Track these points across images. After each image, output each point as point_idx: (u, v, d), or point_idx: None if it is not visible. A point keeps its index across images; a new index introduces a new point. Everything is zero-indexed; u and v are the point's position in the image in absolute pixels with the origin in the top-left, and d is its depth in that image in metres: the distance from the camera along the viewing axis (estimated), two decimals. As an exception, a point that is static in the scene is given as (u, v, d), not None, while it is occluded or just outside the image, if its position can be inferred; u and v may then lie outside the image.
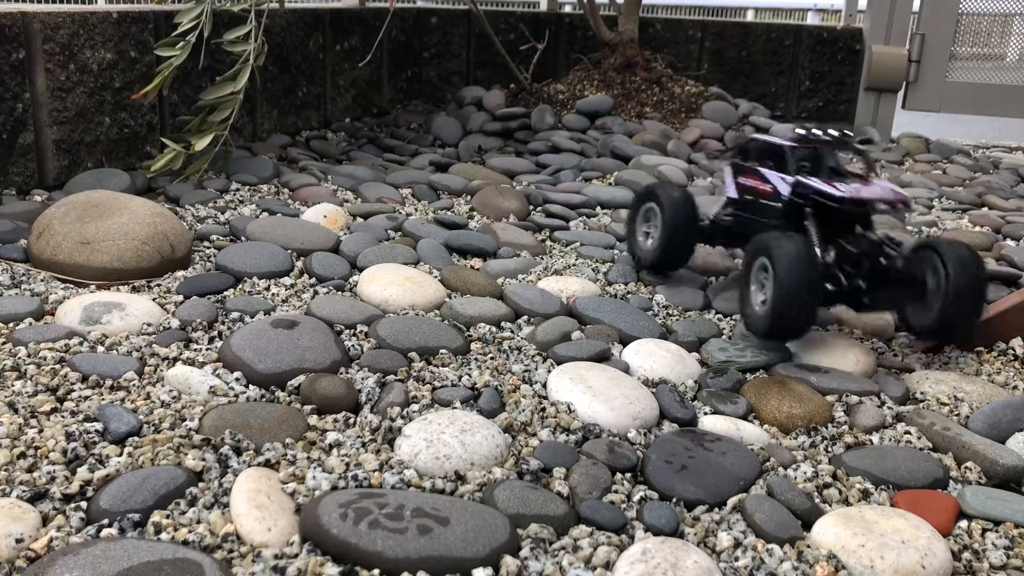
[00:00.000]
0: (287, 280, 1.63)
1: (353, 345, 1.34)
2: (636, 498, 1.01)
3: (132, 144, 2.29)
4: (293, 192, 2.24)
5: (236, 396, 1.18)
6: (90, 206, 1.64)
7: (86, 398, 1.15)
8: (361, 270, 1.68)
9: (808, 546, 0.94)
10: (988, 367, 1.44)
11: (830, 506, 1.03)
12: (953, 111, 3.56)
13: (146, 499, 0.93)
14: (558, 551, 0.91)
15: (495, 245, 1.88)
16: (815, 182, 1.43)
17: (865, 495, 1.05)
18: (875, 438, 1.19)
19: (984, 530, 1.00)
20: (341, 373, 1.26)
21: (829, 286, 1.38)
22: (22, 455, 1.01)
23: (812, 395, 1.26)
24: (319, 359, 1.26)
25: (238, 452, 1.04)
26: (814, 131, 1.53)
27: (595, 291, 1.66)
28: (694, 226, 1.67)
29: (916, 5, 3.47)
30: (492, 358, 1.35)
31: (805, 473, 1.08)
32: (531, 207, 2.23)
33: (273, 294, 1.56)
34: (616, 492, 1.02)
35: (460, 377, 1.27)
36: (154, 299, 1.49)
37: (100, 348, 1.30)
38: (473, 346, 1.39)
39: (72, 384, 1.18)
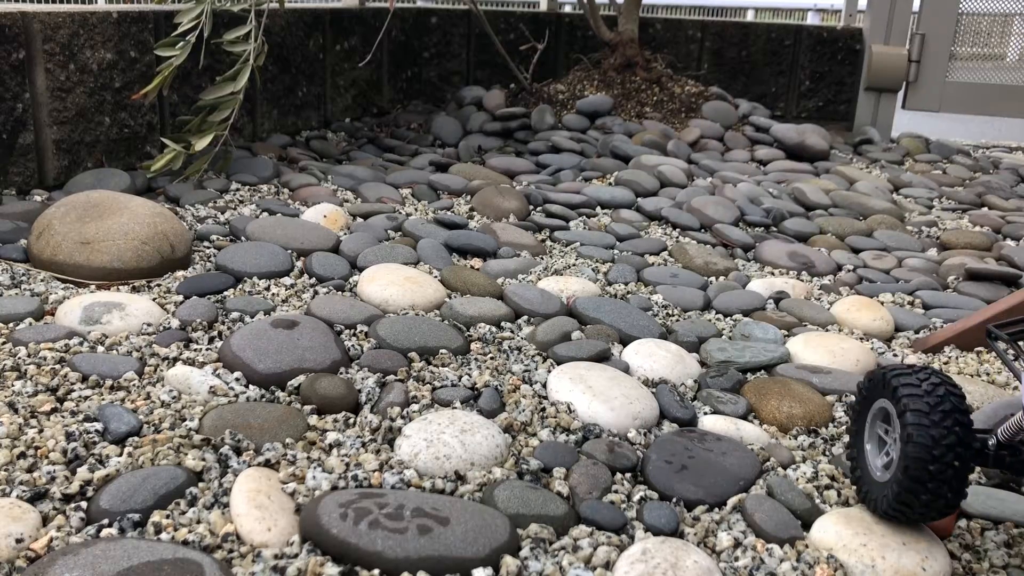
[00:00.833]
0: (287, 280, 1.63)
1: (353, 345, 1.34)
2: (636, 498, 1.01)
3: (132, 144, 2.29)
4: (293, 192, 2.24)
5: (236, 396, 1.18)
6: (90, 206, 1.64)
7: (86, 398, 1.15)
8: (361, 270, 1.68)
9: (807, 546, 0.94)
10: (988, 367, 1.44)
11: (830, 507, 1.03)
12: (953, 111, 3.56)
13: (146, 499, 0.93)
14: (558, 551, 0.91)
15: (495, 245, 1.88)
16: None
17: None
18: (875, 438, 1.19)
19: (984, 529, 1.00)
20: (341, 373, 1.26)
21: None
22: (22, 455, 1.01)
23: (812, 395, 1.26)
24: (319, 359, 1.26)
25: (238, 452, 1.04)
26: None
27: (595, 291, 1.66)
28: (967, 447, 0.89)
29: (916, 5, 3.47)
30: (492, 358, 1.35)
31: (805, 473, 1.08)
32: (531, 207, 2.23)
33: (273, 294, 1.56)
34: (616, 492, 1.02)
35: (460, 377, 1.27)
36: (154, 299, 1.49)
37: (100, 348, 1.30)
38: (473, 346, 1.39)
39: (72, 384, 1.18)
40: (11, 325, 1.36)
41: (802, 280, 1.86)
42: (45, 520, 0.91)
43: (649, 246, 1.99)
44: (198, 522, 0.91)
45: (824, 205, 2.41)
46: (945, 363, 1.46)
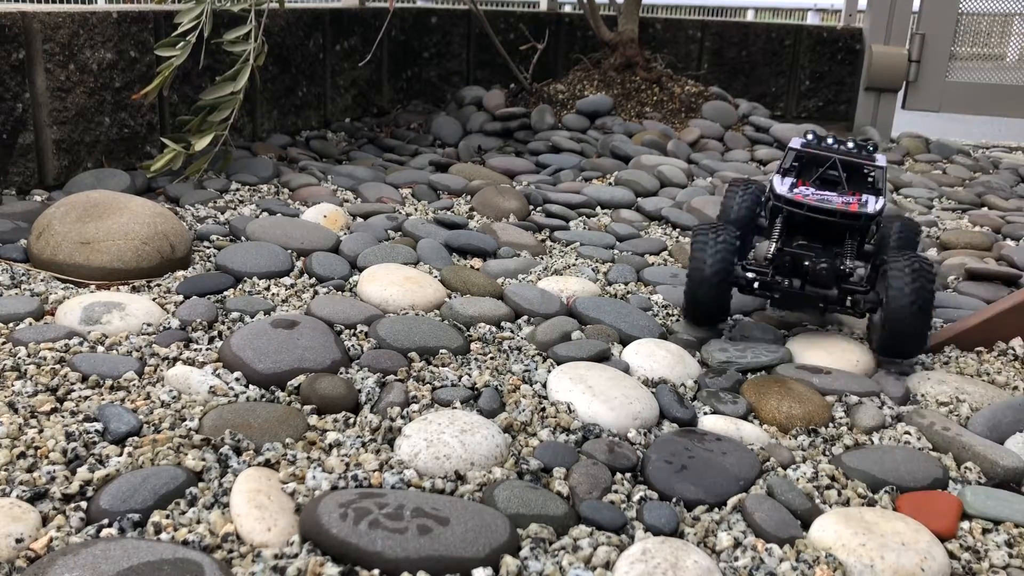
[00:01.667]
0: (287, 280, 1.63)
1: (353, 345, 1.34)
2: (636, 498, 1.01)
3: (132, 144, 2.29)
4: (293, 192, 2.24)
5: (236, 396, 1.18)
6: (90, 206, 1.64)
7: (86, 398, 1.15)
8: (361, 270, 1.68)
9: (807, 546, 0.94)
10: (988, 367, 1.44)
11: (830, 507, 1.03)
12: (953, 111, 3.56)
13: (146, 499, 0.93)
14: (558, 551, 0.91)
15: (495, 245, 1.88)
16: (783, 186, 1.48)
17: (864, 496, 1.05)
18: (875, 438, 1.19)
19: (984, 530, 1.00)
20: (341, 373, 1.26)
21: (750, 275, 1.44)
22: (22, 455, 1.01)
23: (812, 395, 1.26)
24: (319, 359, 1.26)
25: (238, 452, 1.04)
26: (827, 140, 1.54)
27: (595, 291, 1.66)
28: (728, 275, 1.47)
29: (916, 5, 3.47)
30: (492, 358, 1.35)
31: (805, 473, 1.08)
32: (531, 207, 2.23)
33: (273, 294, 1.56)
34: (616, 492, 1.02)
35: (460, 377, 1.27)
36: (154, 299, 1.49)
37: (100, 348, 1.30)
38: (473, 346, 1.39)
39: (72, 384, 1.18)
40: (11, 325, 1.36)
41: (802, 280, 1.86)
42: (45, 520, 0.91)
43: (649, 246, 1.99)
44: (198, 522, 0.91)
45: (824, 205, 2.40)
46: (945, 363, 1.46)
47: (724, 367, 1.36)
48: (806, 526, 0.98)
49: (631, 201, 2.33)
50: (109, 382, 1.19)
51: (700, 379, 1.33)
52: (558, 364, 1.32)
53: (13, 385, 1.17)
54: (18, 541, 0.86)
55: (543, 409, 1.18)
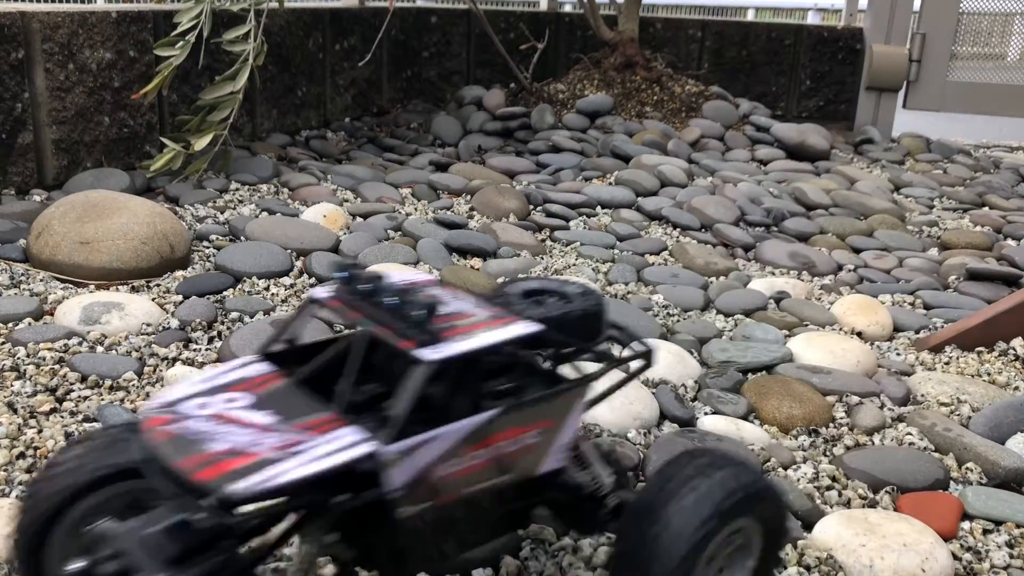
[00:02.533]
0: (287, 280, 1.63)
1: (353, 345, 1.34)
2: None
3: (131, 144, 2.29)
4: (293, 192, 2.23)
5: (235, 396, 1.18)
6: (89, 206, 1.64)
7: (85, 398, 1.15)
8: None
9: (814, 548, 0.94)
10: (989, 367, 1.43)
11: (831, 507, 1.02)
12: (954, 111, 3.56)
13: (145, 500, 0.93)
14: (558, 551, 0.90)
15: (495, 245, 1.88)
16: None
17: (865, 497, 1.05)
18: (876, 439, 1.19)
19: (985, 531, 1.00)
20: (341, 373, 1.25)
21: None
22: (21, 455, 1.01)
23: (812, 395, 1.26)
24: (319, 359, 1.25)
25: (237, 452, 1.03)
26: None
27: (595, 291, 1.66)
28: None
29: (917, 5, 3.47)
30: (492, 358, 1.35)
31: (806, 474, 1.08)
32: (531, 207, 2.23)
33: (273, 294, 1.56)
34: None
35: (460, 377, 1.27)
36: (153, 299, 1.49)
37: (99, 348, 1.30)
38: (473, 346, 1.39)
39: (71, 384, 1.18)
40: (10, 325, 1.35)
41: (803, 280, 1.85)
42: (44, 521, 0.91)
43: (649, 246, 1.99)
44: (197, 523, 0.91)
45: (825, 205, 2.40)
46: (946, 363, 1.46)
47: (725, 367, 1.36)
48: (808, 527, 0.98)
49: (631, 201, 2.33)
50: (108, 382, 1.19)
51: (700, 379, 1.33)
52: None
53: (12, 385, 1.17)
54: (17, 542, 0.86)
55: (543, 409, 1.18)
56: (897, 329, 1.61)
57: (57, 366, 1.22)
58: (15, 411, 1.10)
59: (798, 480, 1.07)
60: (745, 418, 1.22)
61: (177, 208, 2.02)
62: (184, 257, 1.67)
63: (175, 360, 1.27)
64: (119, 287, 1.55)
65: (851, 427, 1.21)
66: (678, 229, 2.15)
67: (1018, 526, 1.00)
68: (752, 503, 0.72)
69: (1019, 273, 1.85)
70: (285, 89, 2.85)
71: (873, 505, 1.03)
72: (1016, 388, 1.36)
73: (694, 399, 1.27)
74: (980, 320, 1.51)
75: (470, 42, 3.74)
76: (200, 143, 2.13)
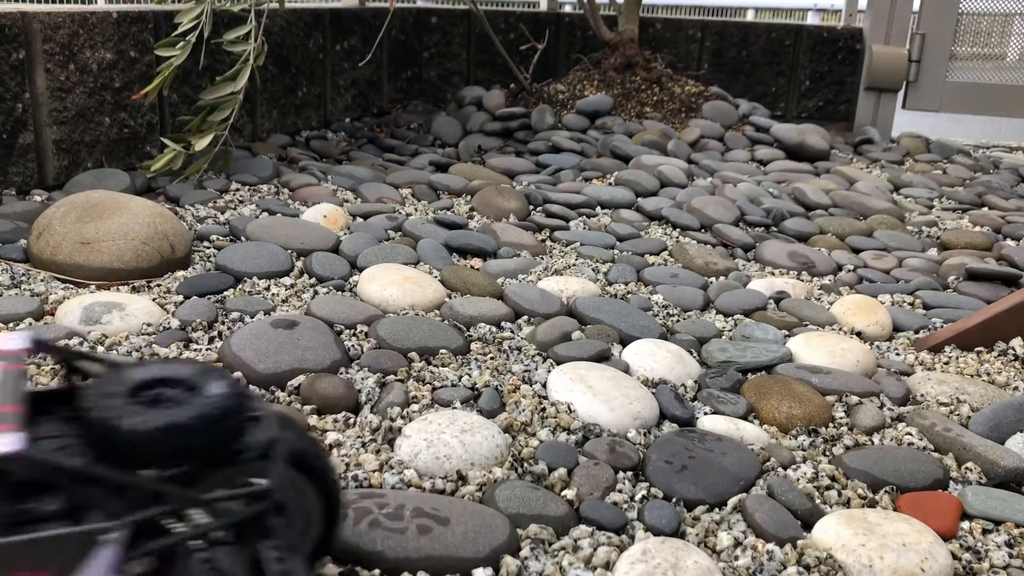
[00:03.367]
0: (287, 280, 1.63)
1: (353, 345, 1.34)
2: (638, 497, 1.01)
3: (132, 144, 2.29)
4: (293, 192, 2.24)
5: (236, 396, 1.18)
6: (90, 206, 1.64)
7: (86, 398, 1.15)
8: (361, 270, 1.68)
9: (814, 548, 0.94)
10: (989, 367, 1.44)
11: (830, 507, 1.02)
12: (953, 111, 3.56)
13: (146, 499, 0.93)
14: (558, 551, 0.91)
15: (495, 245, 1.88)
16: None
17: (865, 497, 1.05)
18: (875, 439, 1.19)
19: (985, 530, 1.00)
20: (341, 373, 1.26)
21: None
22: (22, 455, 1.01)
23: (812, 395, 1.26)
24: (319, 359, 1.26)
25: (238, 452, 1.03)
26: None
27: (595, 291, 1.66)
28: None
29: (916, 5, 3.47)
30: (492, 358, 1.35)
31: (805, 474, 1.08)
32: (531, 207, 2.23)
33: (273, 294, 1.56)
34: (619, 492, 1.02)
35: (460, 377, 1.27)
36: (154, 299, 1.49)
37: (100, 348, 1.30)
38: (473, 346, 1.39)
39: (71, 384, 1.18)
40: (11, 325, 1.35)
41: (802, 280, 1.86)
42: (45, 520, 0.91)
43: (649, 246, 1.99)
44: (198, 522, 0.91)
45: (824, 205, 2.40)
46: (945, 363, 1.46)
47: (724, 367, 1.36)
48: (807, 527, 0.98)
49: (631, 201, 2.33)
50: (109, 382, 1.19)
51: (700, 379, 1.33)
52: (558, 364, 1.32)
53: (13, 385, 1.17)
54: (18, 541, 0.86)
55: (543, 409, 1.18)
56: (897, 329, 1.61)
57: (58, 366, 1.22)
58: (16, 411, 1.10)
59: (798, 480, 1.07)
60: (745, 418, 1.22)
61: (177, 208, 2.02)
62: (184, 257, 1.67)
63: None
64: (120, 287, 1.55)
65: (851, 427, 1.22)
66: (678, 229, 2.15)
67: (1018, 526, 1.00)
68: None
69: (1019, 273, 1.85)
70: (285, 89, 2.85)
71: (873, 505, 1.03)
72: (1016, 388, 1.37)
73: (694, 399, 1.28)
74: (979, 320, 1.52)
75: (470, 42, 3.74)
76: (200, 143, 2.13)
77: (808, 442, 1.17)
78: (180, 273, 1.63)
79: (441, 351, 1.34)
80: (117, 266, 1.57)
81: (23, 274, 1.57)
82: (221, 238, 1.83)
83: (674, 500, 1.01)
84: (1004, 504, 1.03)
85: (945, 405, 1.30)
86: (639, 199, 2.35)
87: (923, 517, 0.98)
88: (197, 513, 0.61)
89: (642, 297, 1.66)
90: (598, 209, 2.28)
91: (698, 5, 7.93)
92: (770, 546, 0.93)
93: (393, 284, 1.55)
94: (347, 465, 1.03)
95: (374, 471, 1.01)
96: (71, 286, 1.54)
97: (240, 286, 1.59)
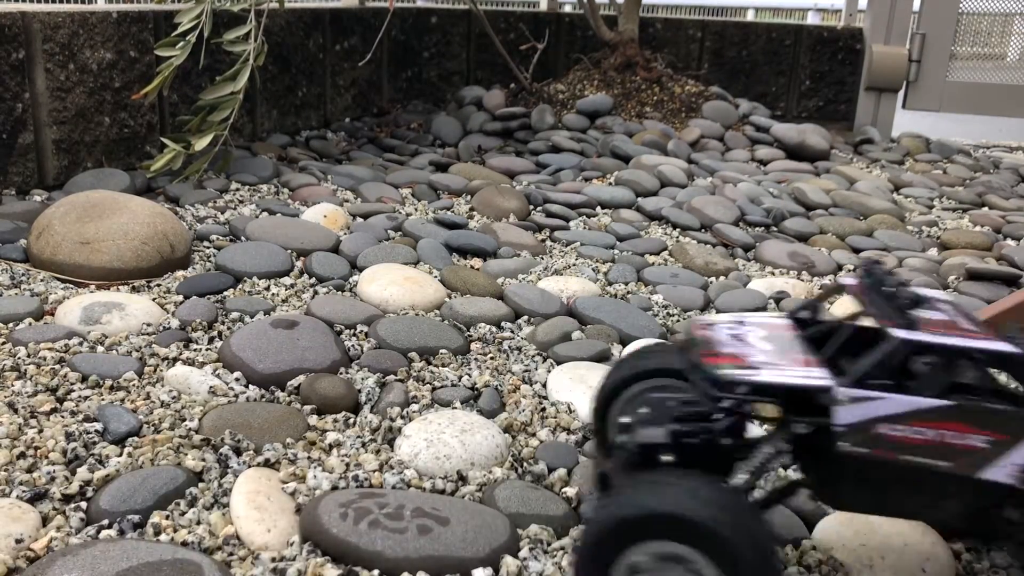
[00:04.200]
0: (287, 280, 1.63)
1: (353, 345, 1.34)
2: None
3: (132, 144, 2.29)
4: (293, 192, 2.23)
5: (236, 396, 1.18)
6: (90, 206, 1.64)
7: (86, 398, 1.15)
8: (361, 270, 1.68)
9: (815, 548, 0.94)
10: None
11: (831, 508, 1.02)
12: (953, 111, 3.56)
13: (146, 499, 0.93)
14: (558, 551, 0.90)
15: (495, 245, 1.88)
16: None
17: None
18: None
19: (985, 530, 1.00)
20: (341, 373, 1.25)
21: None
22: (22, 455, 1.01)
23: (813, 395, 1.26)
24: (319, 359, 1.25)
25: (238, 452, 1.03)
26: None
27: (595, 291, 1.66)
28: None
29: (916, 5, 3.47)
30: (492, 358, 1.35)
31: (806, 473, 1.08)
32: (531, 207, 2.23)
33: (273, 294, 1.56)
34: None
35: (460, 377, 1.27)
36: (154, 299, 1.49)
37: (100, 348, 1.30)
38: (473, 346, 1.39)
39: (72, 384, 1.18)
40: (11, 325, 1.35)
41: (803, 280, 1.86)
42: (45, 520, 0.91)
43: (649, 246, 1.99)
44: (198, 523, 0.91)
45: (824, 205, 2.40)
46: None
47: (724, 367, 1.36)
48: (809, 527, 0.98)
49: (631, 201, 2.33)
50: (109, 382, 1.19)
51: (700, 379, 1.33)
52: (558, 364, 1.32)
53: (13, 385, 1.17)
54: (18, 541, 0.86)
55: (543, 409, 1.18)
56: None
57: (57, 366, 1.22)
58: (15, 411, 1.10)
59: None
60: (745, 418, 1.22)
61: (177, 208, 2.02)
62: (184, 257, 1.67)
63: (175, 360, 1.27)
64: (119, 287, 1.55)
65: (851, 427, 1.21)
66: (678, 229, 2.15)
67: (1018, 526, 1.00)
68: None
69: (1019, 273, 1.85)
70: (285, 89, 2.85)
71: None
72: (1016, 388, 1.36)
73: (694, 399, 1.27)
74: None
75: (470, 42, 3.74)
76: (200, 143, 2.13)
77: (808, 442, 1.17)
78: (180, 273, 1.63)
79: (441, 351, 1.34)
80: (117, 266, 1.57)
81: (23, 274, 1.57)
82: (221, 238, 1.83)
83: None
84: (1005, 504, 1.03)
85: (945, 405, 1.29)
86: (639, 199, 2.35)
87: (924, 517, 0.98)
88: None
89: (642, 297, 1.65)
90: (598, 209, 2.28)
91: (698, 5, 7.93)
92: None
93: (393, 284, 1.55)
94: (347, 465, 1.03)
95: (374, 471, 1.01)
96: (71, 286, 1.54)
97: (240, 286, 1.59)
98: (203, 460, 1.01)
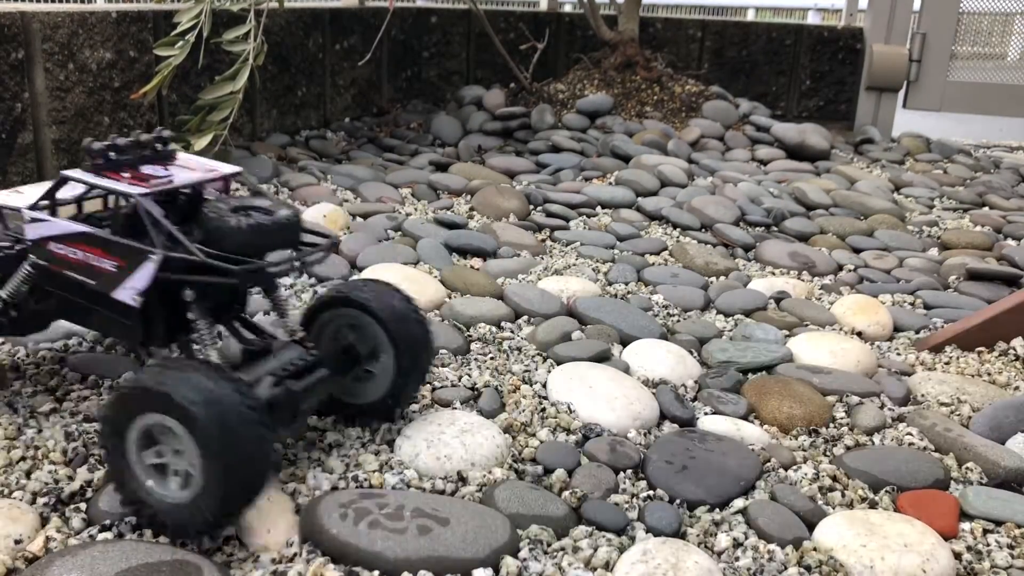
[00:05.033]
0: (287, 280, 1.63)
1: (353, 345, 1.34)
2: (641, 497, 1.01)
3: (132, 144, 2.29)
4: (293, 192, 2.23)
5: (236, 396, 1.17)
6: (89, 206, 1.64)
7: (85, 398, 1.15)
8: (361, 270, 1.68)
9: (815, 549, 0.93)
10: (989, 367, 1.43)
11: (832, 508, 1.02)
12: (954, 110, 3.56)
13: (145, 500, 0.93)
14: (558, 552, 0.90)
15: (495, 245, 1.88)
16: None
17: (865, 498, 1.05)
18: (876, 439, 1.19)
19: (986, 531, 1.00)
20: (341, 373, 1.25)
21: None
22: (22, 456, 1.00)
23: (813, 395, 1.26)
24: (319, 359, 1.25)
25: (237, 453, 1.03)
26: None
27: (595, 291, 1.66)
28: None
29: (917, 4, 3.47)
30: (492, 358, 1.35)
31: (806, 474, 1.08)
32: (531, 207, 2.23)
33: (273, 294, 1.56)
34: (621, 492, 1.02)
35: (460, 377, 1.27)
36: (153, 299, 1.49)
37: (99, 348, 1.30)
38: (473, 346, 1.39)
39: (71, 384, 1.18)
40: (10, 325, 1.35)
41: (803, 280, 1.85)
42: (44, 521, 0.91)
43: (649, 246, 1.99)
44: (197, 523, 0.91)
45: (825, 205, 2.40)
46: (946, 363, 1.46)
47: (725, 367, 1.36)
48: (809, 527, 0.98)
49: (631, 201, 2.33)
50: (108, 382, 1.19)
51: (700, 379, 1.33)
52: (558, 364, 1.32)
53: (13, 385, 1.17)
54: (17, 542, 0.86)
55: (543, 409, 1.18)
56: (897, 329, 1.61)
57: (57, 366, 1.22)
58: (15, 411, 1.10)
59: (799, 480, 1.07)
60: (745, 418, 1.22)
61: (177, 208, 2.01)
62: (184, 257, 1.66)
63: (175, 360, 1.27)
64: (119, 287, 1.55)
65: (851, 427, 1.21)
66: (678, 229, 2.15)
67: (1018, 526, 1.00)
68: None
69: (1019, 273, 1.85)
70: (285, 89, 2.85)
71: (873, 505, 1.03)
72: (1016, 388, 1.36)
73: (694, 399, 1.27)
74: (980, 320, 1.51)
75: (470, 42, 3.74)
76: (200, 143, 2.13)
77: (809, 442, 1.17)
78: (180, 273, 1.62)
79: (441, 351, 1.33)
80: (116, 266, 1.56)
81: (22, 274, 1.57)
82: (221, 238, 1.82)
83: (676, 501, 1.01)
84: (1005, 504, 1.03)
85: (946, 405, 1.30)
86: (639, 199, 2.35)
87: (924, 517, 0.98)
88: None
89: (642, 297, 1.65)
90: (598, 209, 2.28)
91: (698, 5, 7.93)
92: (771, 547, 0.93)
93: (393, 284, 1.54)
94: (347, 465, 1.02)
95: (374, 471, 1.01)
96: (70, 286, 1.54)
97: (240, 286, 1.58)
98: (203, 460, 1.01)
